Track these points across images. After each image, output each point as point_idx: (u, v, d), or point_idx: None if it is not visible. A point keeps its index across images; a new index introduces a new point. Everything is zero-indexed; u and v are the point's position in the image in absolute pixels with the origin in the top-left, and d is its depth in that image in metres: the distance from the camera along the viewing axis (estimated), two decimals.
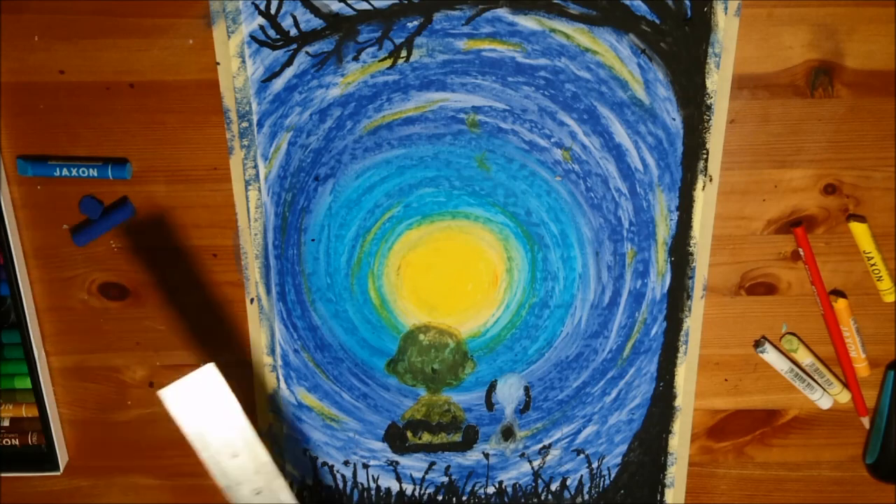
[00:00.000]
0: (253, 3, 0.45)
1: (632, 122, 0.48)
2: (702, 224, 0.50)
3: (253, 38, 0.46)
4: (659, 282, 0.51)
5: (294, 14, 0.45)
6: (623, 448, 0.55)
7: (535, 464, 0.56)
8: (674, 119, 0.48)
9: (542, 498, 0.56)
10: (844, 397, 0.54)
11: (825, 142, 0.48)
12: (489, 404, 0.54)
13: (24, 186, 0.49)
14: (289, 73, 0.47)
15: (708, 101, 0.47)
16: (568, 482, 0.57)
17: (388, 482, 0.56)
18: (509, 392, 0.54)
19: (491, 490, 0.57)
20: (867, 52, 0.47)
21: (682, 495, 0.57)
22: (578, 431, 0.55)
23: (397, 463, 0.55)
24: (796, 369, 0.53)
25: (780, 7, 0.46)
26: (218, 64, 0.46)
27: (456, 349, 0.53)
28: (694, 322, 0.52)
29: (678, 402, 0.54)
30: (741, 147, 0.49)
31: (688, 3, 0.45)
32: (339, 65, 0.46)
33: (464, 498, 0.57)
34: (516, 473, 0.56)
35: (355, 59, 0.46)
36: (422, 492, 0.57)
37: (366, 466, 0.56)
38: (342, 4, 0.45)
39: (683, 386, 0.53)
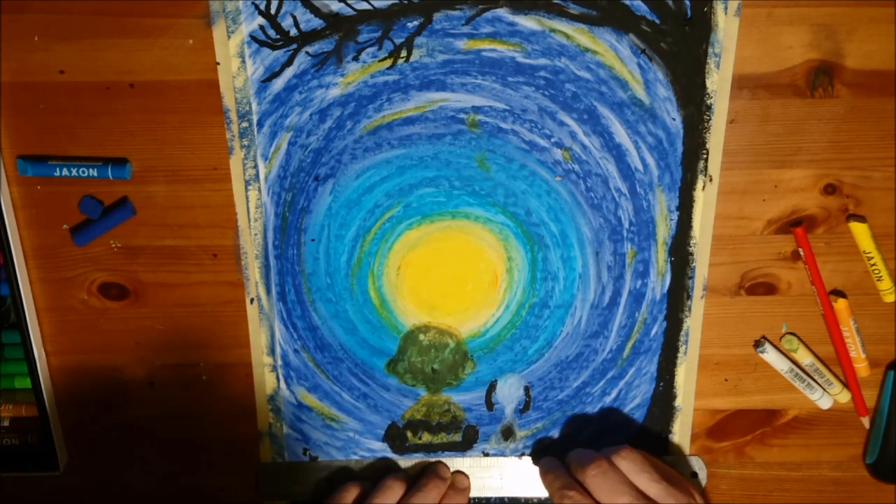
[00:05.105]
0: (253, 3, 0.45)
1: (632, 122, 0.48)
2: (702, 224, 0.50)
3: (253, 38, 0.46)
4: (659, 282, 0.51)
5: (294, 14, 0.45)
6: None
7: None
8: (674, 119, 0.48)
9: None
10: (844, 397, 0.54)
11: (825, 142, 0.48)
12: (489, 404, 0.54)
13: (24, 186, 0.49)
14: (289, 73, 0.47)
15: (708, 101, 0.47)
16: None
17: None
18: (509, 392, 0.54)
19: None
20: (867, 52, 0.47)
21: None
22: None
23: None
24: (796, 369, 0.53)
25: (780, 7, 0.46)
26: (218, 64, 0.46)
27: (456, 349, 0.53)
28: (694, 322, 0.52)
29: (678, 402, 0.54)
30: (741, 147, 0.49)
31: (688, 3, 0.45)
32: (339, 65, 0.46)
33: None
34: None
35: (355, 59, 0.46)
36: None
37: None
38: (342, 4, 0.45)
39: (683, 386, 0.53)
